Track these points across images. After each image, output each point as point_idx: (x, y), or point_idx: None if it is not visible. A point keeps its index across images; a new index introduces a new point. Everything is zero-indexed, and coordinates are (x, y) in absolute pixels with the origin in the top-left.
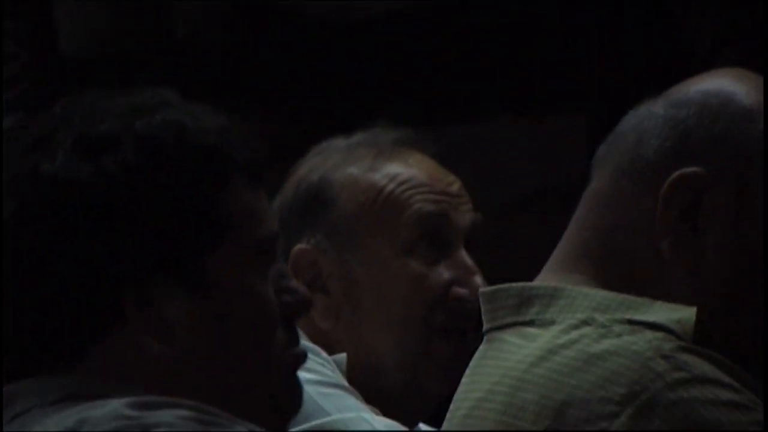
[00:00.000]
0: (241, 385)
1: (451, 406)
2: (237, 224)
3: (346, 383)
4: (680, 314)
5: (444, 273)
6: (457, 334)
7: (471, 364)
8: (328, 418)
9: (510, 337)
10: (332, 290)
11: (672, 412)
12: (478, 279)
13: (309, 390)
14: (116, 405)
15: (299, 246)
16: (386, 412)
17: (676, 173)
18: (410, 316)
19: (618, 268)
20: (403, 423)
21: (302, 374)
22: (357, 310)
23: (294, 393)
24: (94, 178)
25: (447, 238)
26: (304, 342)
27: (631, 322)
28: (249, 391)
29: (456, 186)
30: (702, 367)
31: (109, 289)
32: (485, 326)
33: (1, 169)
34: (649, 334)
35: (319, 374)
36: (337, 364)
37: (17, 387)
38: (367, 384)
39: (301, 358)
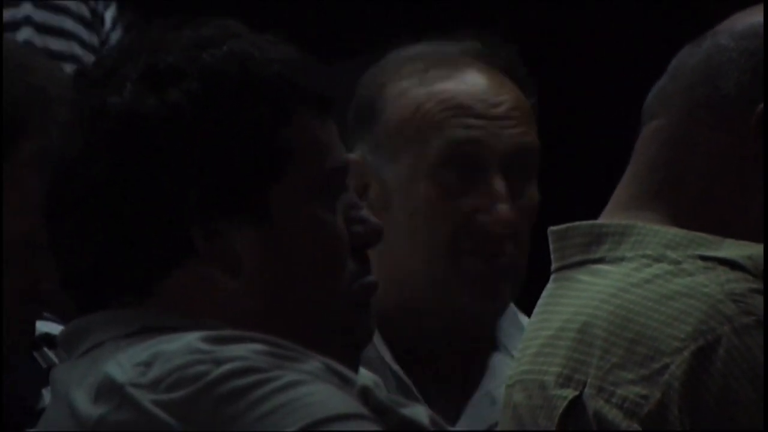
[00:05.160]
0: (310, 317)
1: (521, 345)
2: (302, 155)
3: None
4: (751, 251)
5: (468, 200)
6: (487, 255)
7: (540, 302)
8: None
9: (580, 275)
10: (371, 201)
11: (733, 355)
12: (502, 207)
13: None
14: (190, 339)
15: (350, 156)
16: (420, 328)
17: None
18: (434, 239)
19: (694, 204)
20: (436, 338)
21: None
22: (391, 224)
23: (366, 324)
24: (160, 111)
25: (478, 164)
26: None
27: (702, 258)
28: (319, 324)
29: (503, 107)
30: None
31: (177, 222)
32: (554, 265)
33: None
34: (722, 274)
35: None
36: None
37: (89, 320)
38: (400, 297)
39: (372, 288)
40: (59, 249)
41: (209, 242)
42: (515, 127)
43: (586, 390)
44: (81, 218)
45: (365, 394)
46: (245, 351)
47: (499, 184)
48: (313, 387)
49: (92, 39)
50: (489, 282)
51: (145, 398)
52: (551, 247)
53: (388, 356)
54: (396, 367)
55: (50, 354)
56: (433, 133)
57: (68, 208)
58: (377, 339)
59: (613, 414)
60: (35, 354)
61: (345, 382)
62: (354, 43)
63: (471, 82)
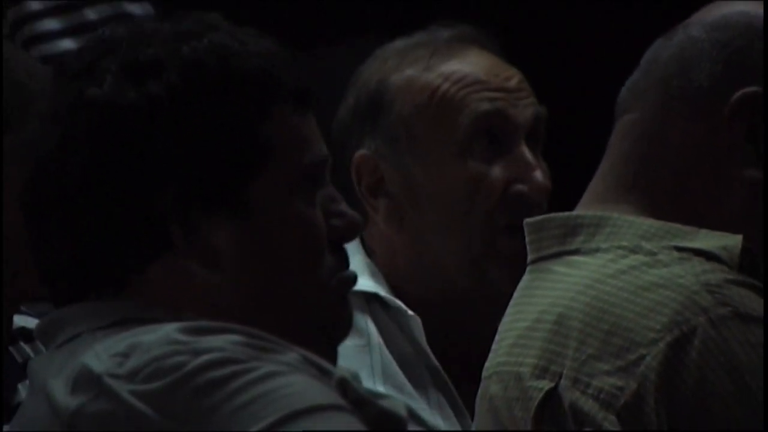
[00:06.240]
0: (288, 310)
1: (497, 336)
2: (282, 149)
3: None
4: (726, 241)
5: (503, 171)
6: (522, 230)
7: (516, 294)
8: None
9: (556, 266)
10: (394, 195)
11: (709, 346)
12: (537, 174)
13: None
14: (168, 330)
15: (360, 152)
16: (456, 315)
17: (739, 93)
18: (471, 216)
19: (669, 196)
20: (473, 324)
21: None
22: (419, 213)
23: (343, 317)
24: (139, 103)
25: (505, 136)
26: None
27: (678, 248)
28: (297, 317)
29: (515, 80)
30: (748, 302)
31: (155, 215)
32: (530, 256)
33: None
34: (697, 265)
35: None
36: (412, 326)
37: (67, 312)
38: (434, 287)
39: (350, 282)
40: (38, 242)
41: (188, 236)
42: (528, 98)
43: (562, 381)
44: (59, 211)
45: (343, 386)
46: (223, 342)
47: (528, 154)
48: (291, 378)
49: None
50: (524, 261)
51: (122, 389)
52: (527, 238)
53: (428, 350)
54: (435, 362)
55: (26, 348)
56: (456, 111)
57: (47, 201)
58: (418, 333)
59: (589, 405)
60: (11, 348)
61: (323, 374)
62: (330, 32)
63: (477, 60)
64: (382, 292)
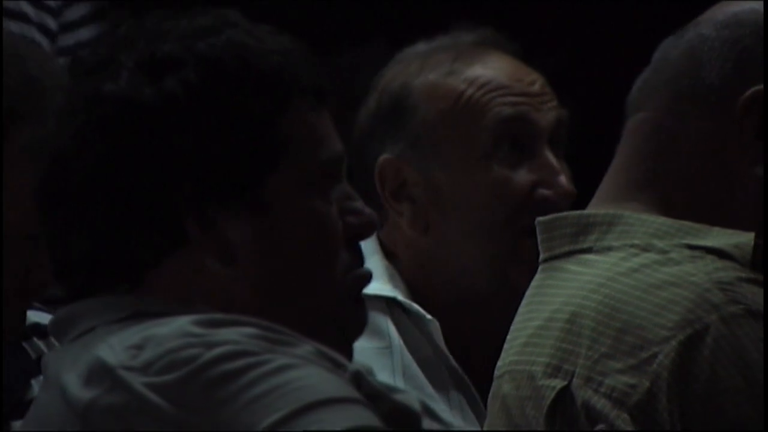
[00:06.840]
0: (303, 306)
1: (509, 336)
2: (298, 146)
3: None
4: (738, 239)
5: (527, 175)
6: None
7: (528, 293)
8: None
9: (568, 265)
10: (418, 199)
11: (721, 344)
12: (562, 179)
13: None
14: (182, 322)
15: (384, 156)
16: (479, 316)
17: (750, 91)
18: (494, 220)
19: (681, 194)
20: (495, 326)
21: None
22: (444, 216)
23: (357, 314)
24: (156, 99)
25: (529, 140)
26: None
27: (690, 247)
28: (311, 313)
29: (538, 84)
30: (760, 300)
31: (171, 210)
32: (542, 255)
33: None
34: (709, 263)
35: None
36: (431, 330)
37: (81, 306)
38: (458, 290)
39: (364, 279)
40: (52, 237)
41: (203, 231)
42: (551, 101)
43: (575, 380)
44: (74, 206)
45: (357, 379)
46: (237, 335)
47: (552, 158)
48: (305, 371)
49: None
50: None
51: (136, 381)
52: (539, 237)
53: (448, 352)
54: (455, 364)
55: (40, 344)
56: (480, 116)
57: (62, 195)
58: (437, 336)
59: (601, 404)
60: (24, 344)
61: (337, 367)
62: (334, 40)
63: (500, 65)
64: (400, 296)
